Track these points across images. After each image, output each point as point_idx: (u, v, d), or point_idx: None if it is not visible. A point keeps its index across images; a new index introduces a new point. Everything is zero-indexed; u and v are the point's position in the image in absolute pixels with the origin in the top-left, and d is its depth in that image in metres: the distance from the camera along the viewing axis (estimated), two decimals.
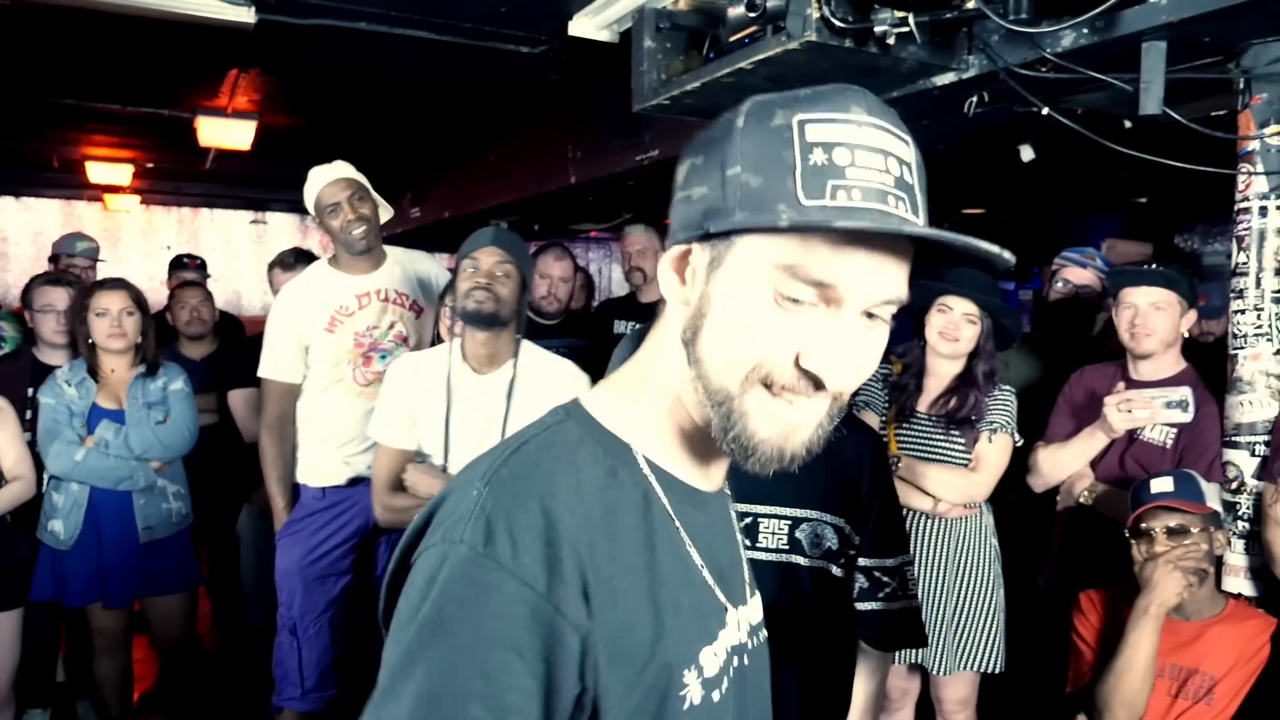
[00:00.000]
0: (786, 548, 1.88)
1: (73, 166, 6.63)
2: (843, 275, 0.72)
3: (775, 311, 0.74)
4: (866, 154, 0.72)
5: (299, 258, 3.67)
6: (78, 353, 3.08)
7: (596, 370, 2.97)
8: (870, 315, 0.76)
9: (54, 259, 4.63)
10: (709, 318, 0.77)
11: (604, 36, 3.08)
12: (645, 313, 3.92)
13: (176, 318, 4.01)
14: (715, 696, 0.80)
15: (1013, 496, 2.75)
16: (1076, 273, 3.20)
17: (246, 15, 2.89)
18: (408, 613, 0.72)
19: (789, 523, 1.88)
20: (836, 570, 1.89)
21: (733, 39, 2.24)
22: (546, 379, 2.24)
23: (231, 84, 4.37)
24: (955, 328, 2.54)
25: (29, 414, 3.06)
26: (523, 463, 0.77)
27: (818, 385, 0.74)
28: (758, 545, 1.89)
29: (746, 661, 0.87)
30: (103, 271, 4.51)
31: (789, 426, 0.77)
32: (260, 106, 4.81)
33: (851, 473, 1.90)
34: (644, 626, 0.75)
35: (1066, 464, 2.60)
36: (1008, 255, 0.75)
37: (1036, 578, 2.75)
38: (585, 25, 3.06)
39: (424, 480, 2.20)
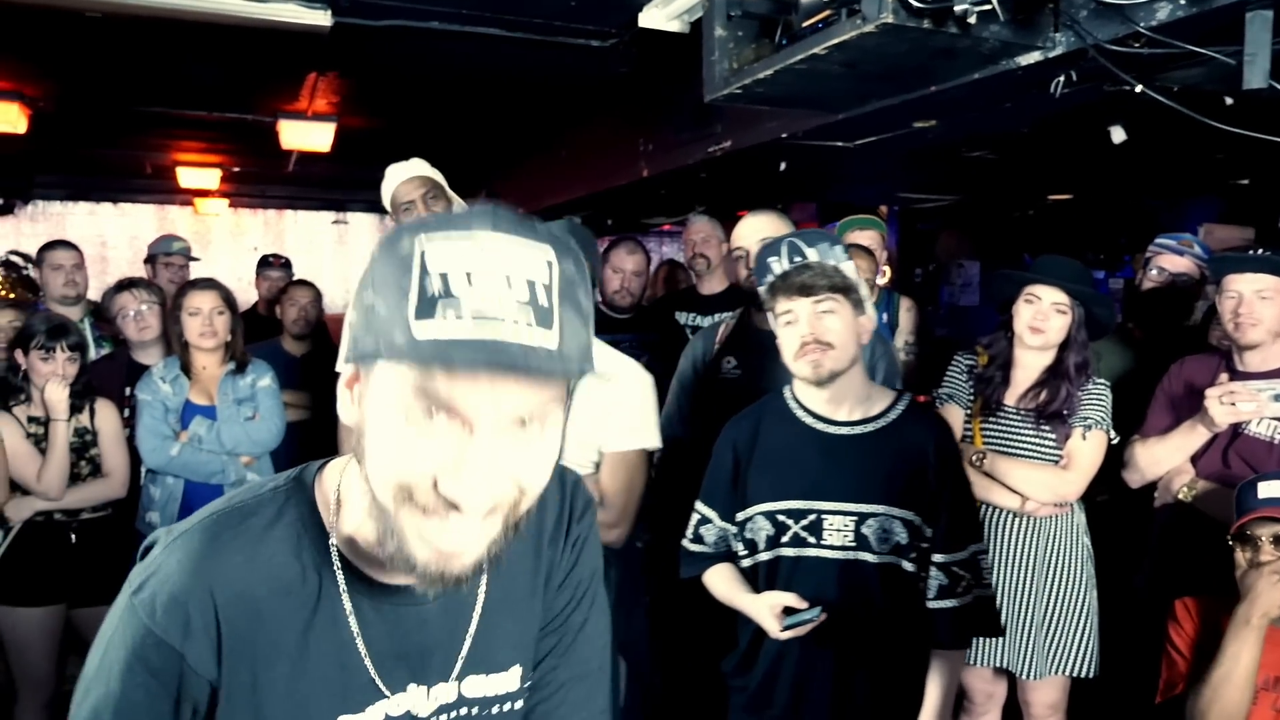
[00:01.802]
0: (853, 544, 1.85)
1: (164, 172, 6.90)
2: (463, 399, 0.73)
3: (412, 433, 0.75)
4: (486, 276, 0.72)
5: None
6: (169, 350, 3.19)
7: (666, 363, 2.95)
8: (523, 423, 0.76)
9: (150, 260, 4.81)
10: (365, 437, 0.80)
11: (674, 27, 3.05)
12: (706, 304, 3.89)
13: (285, 315, 4.11)
14: None
15: (1104, 496, 2.64)
16: (1172, 260, 3.05)
17: (323, 18, 2.95)
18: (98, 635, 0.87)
19: (854, 519, 1.85)
20: (908, 565, 1.85)
21: (805, 24, 2.19)
22: (609, 377, 2.22)
23: (310, 87, 4.48)
24: (1044, 318, 2.43)
25: (126, 412, 3.19)
26: (207, 532, 0.86)
27: (453, 507, 0.75)
28: (823, 543, 1.86)
29: None
30: (195, 271, 4.68)
31: (446, 552, 0.77)
32: (338, 109, 4.92)
33: (918, 463, 1.86)
34: (273, 689, 0.85)
35: (1164, 459, 2.48)
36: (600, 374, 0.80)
37: (1132, 578, 2.63)
38: (655, 16, 3.04)
39: None
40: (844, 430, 1.91)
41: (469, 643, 0.94)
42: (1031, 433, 2.48)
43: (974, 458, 2.50)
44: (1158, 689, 2.07)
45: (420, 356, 0.71)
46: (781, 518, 1.89)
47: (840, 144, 3.60)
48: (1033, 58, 2.21)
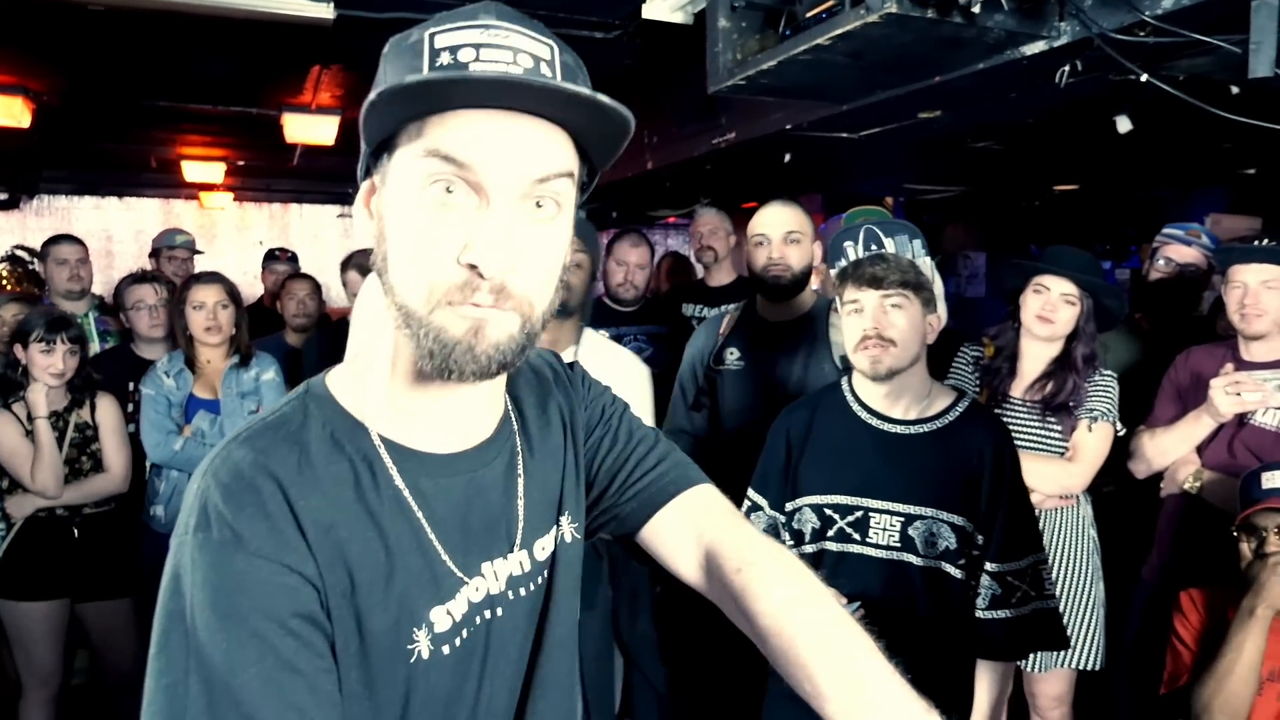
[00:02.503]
0: (899, 545, 1.80)
1: (169, 166, 6.90)
2: (482, 154, 0.74)
3: (433, 215, 0.76)
4: (492, 50, 0.74)
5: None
6: (174, 345, 3.20)
7: (673, 355, 2.94)
8: (538, 205, 0.77)
9: (154, 254, 4.83)
10: (387, 239, 0.79)
11: (678, 19, 3.03)
12: (714, 296, 3.89)
13: (285, 308, 4.12)
14: (446, 650, 0.84)
15: (1110, 487, 2.63)
16: (1180, 250, 3.04)
17: (326, 11, 2.94)
18: (161, 608, 0.75)
19: (902, 520, 1.81)
20: (955, 571, 1.79)
21: (809, 15, 2.18)
22: (606, 369, 2.21)
23: (314, 80, 4.47)
24: (1053, 309, 2.42)
25: (130, 407, 3.19)
26: (242, 448, 0.79)
27: (474, 269, 0.75)
28: (867, 540, 1.82)
29: (500, 612, 0.89)
30: (200, 265, 4.68)
31: (477, 322, 0.77)
32: (343, 102, 4.91)
33: (973, 467, 1.80)
34: (370, 588, 0.79)
35: (1170, 449, 2.47)
36: (625, 112, 0.75)
37: (1139, 570, 2.62)
38: (659, 8, 3.02)
39: None
40: (899, 429, 1.87)
41: (523, 503, 0.93)
42: (1038, 424, 2.47)
43: None
44: (1162, 680, 2.06)
45: (430, 102, 0.73)
46: (829, 512, 1.86)
47: (845, 135, 3.59)
48: (1038, 47, 2.20)
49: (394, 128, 0.78)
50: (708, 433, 2.53)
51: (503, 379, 0.92)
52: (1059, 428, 2.45)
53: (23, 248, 7.24)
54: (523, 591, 0.92)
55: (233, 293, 3.17)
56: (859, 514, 1.83)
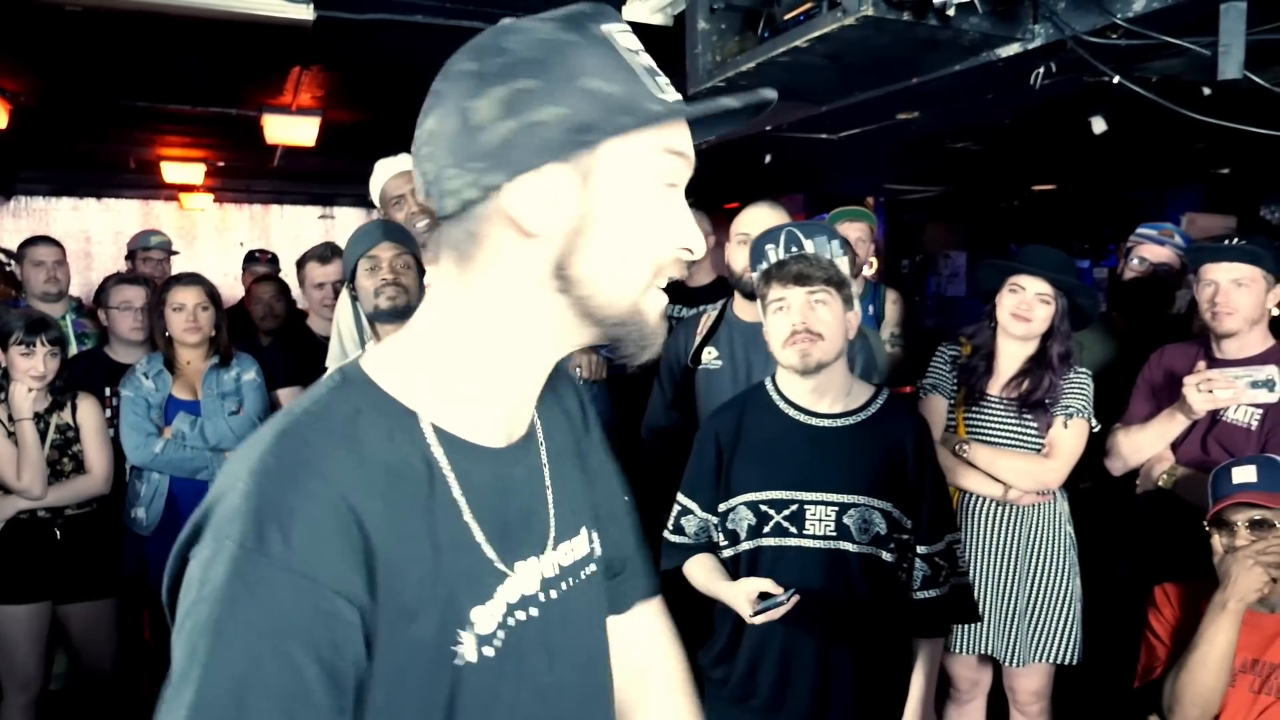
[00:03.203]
0: (835, 534, 1.87)
1: (149, 167, 6.85)
2: (689, 148, 0.82)
3: (661, 202, 0.79)
4: (643, 54, 0.80)
5: (335, 251, 3.66)
6: (152, 348, 3.18)
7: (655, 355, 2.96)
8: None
9: (130, 255, 4.79)
10: (592, 234, 0.78)
11: (657, 20, 3.05)
12: (693, 296, 3.89)
13: (253, 311, 4.10)
14: (489, 652, 0.80)
15: (1086, 483, 2.66)
16: (1154, 250, 3.08)
17: (305, 12, 2.94)
18: (184, 614, 0.70)
19: (836, 509, 1.88)
20: (887, 555, 1.88)
21: (787, 17, 2.20)
22: None
23: (295, 82, 4.45)
24: (1029, 308, 2.45)
25: (107, 411, 3.17)
26: (292, 445, 0.74)
27: (693, 261, 0.83)
28: (805, 533, 1.88)
29: (534, 613, 0.86)
30: (178, 266, 4.65)
31: (661, 306, 0.83)
32: (323, 103, 4.89)
33: (897, 457, 1.89)
34: (419, 591, 0.76)
35: (1145, 447, 2.51)
36: (768, 93, 0.82)
37: (1116, 566, 2.66)
38: (638, 10, 3.04)
39: None
40: (826, 422, 1.93)
41: (553, 505, 0.91)
42: (1015, 422, 2.50)
43: (956, 447, 2.52)
44: (1136, 674, 2.09)
45: (676, 115, 0.78)
46: (764, 508, 1.91)
47: (825, 136, 3.62)
48: (1013, 49, 2.23)
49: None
50: (685, 429, 2.55)
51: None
52: (1035, 425, 2.48)
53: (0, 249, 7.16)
54: (553, 594, 0.89)
55: (213, 294, 3.15)
56: (795, 507, 1.88)
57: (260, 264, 5.03)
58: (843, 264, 1.92)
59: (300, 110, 4.96)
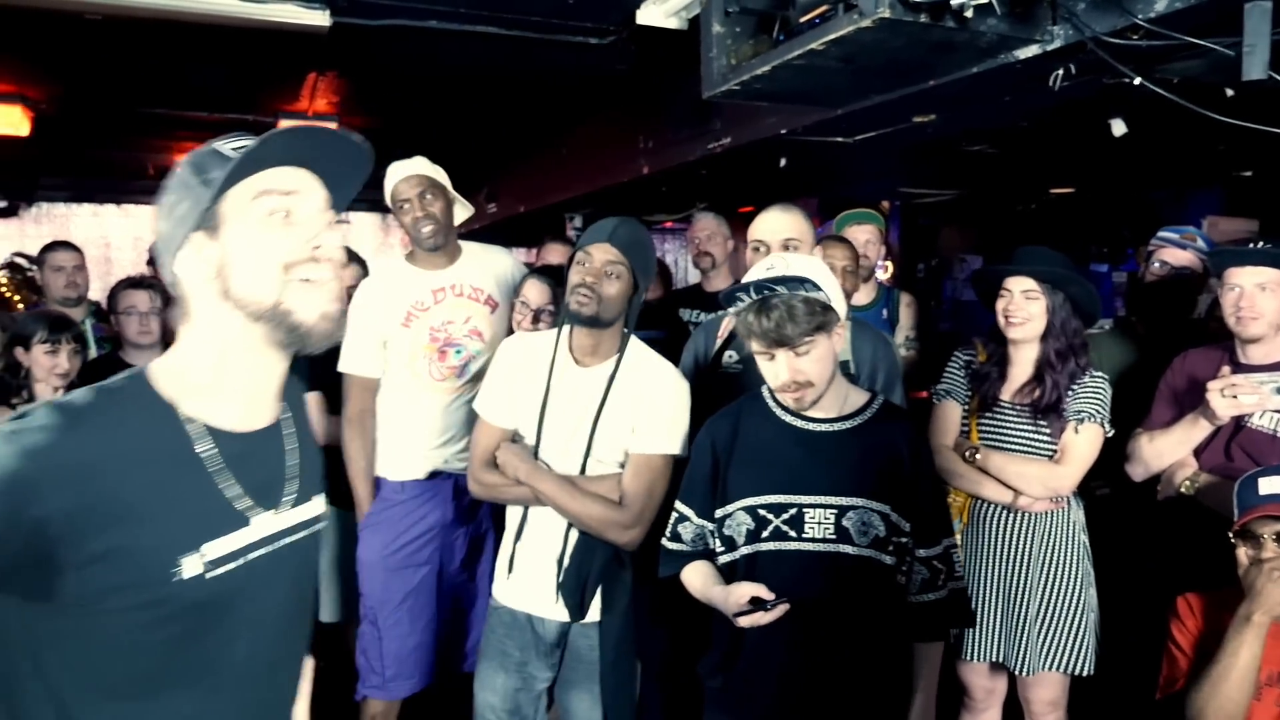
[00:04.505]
0: (834, 537, 1.86)
1: (167, 173, 6.85)
2: (301, 184, 1.15)
3: (278, 224, 1.12)
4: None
5: (350, 257, 3.67)
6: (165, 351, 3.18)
7: (671, 360, 2.95)
8: (326, 216, 1.17)
9: (151, 260, 4.83)
10: (233, 264, 1.12)
11: (672, 24, 3.04)
12: (711, 301, 3.87)
13: None
14: (211, 575, 1.11)
15: (1104, 489, 2.63)
16: (1175, 254, 3.04)
17: (321, 19, 2.95)
18: None
19: (835, 512, 1.87)
20: (886, 558, 1.87)
21: (803, 20, 2.18)
22: (646, 381, 2.22)
23: (310, 87, 4.48)
24: (1017, 308, 2.45)
25: None
26: (66, 415, 1.04)
27: (317, 260, 1.14)
28: (804, 536, 1.87)
29: (268, 550, 1.19)
30: None
31: (322, 301, 1.14)
32: (339, 109, 4.92)
33: (893, 460, 1.89)
34: (150, 519, 1.06)
35: (1167, 453, 2.47)
36: (356, 139, 1.20)
37: (1135, 574, 2.62)
38: (653, 13, 3.03)
39: (513, 460, 2.19)
40: (822, 427, 1.92)
41: (295, 474, 1.25)
42: (1028, 428, 2.48)
43: (967, 453, 2.49)
44: (1158, 685, 2.06)
45: (259, 161, 1.11)
46: (763, 512, 1.89)
47: (840, 139, 3.59)
48: (1031, 51, 2.20)
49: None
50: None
51: (286, 371, 1.23)
52: (1049, 431, 2.45)
53: (21, 255, 7.22)
54: (287, 541, 1.22)
55: None
56: (793, 511, 1.87)
57: None
58: (822, 295, 1.81)
59: (316, 116, 4.99)
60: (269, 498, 1.20)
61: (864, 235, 3.69)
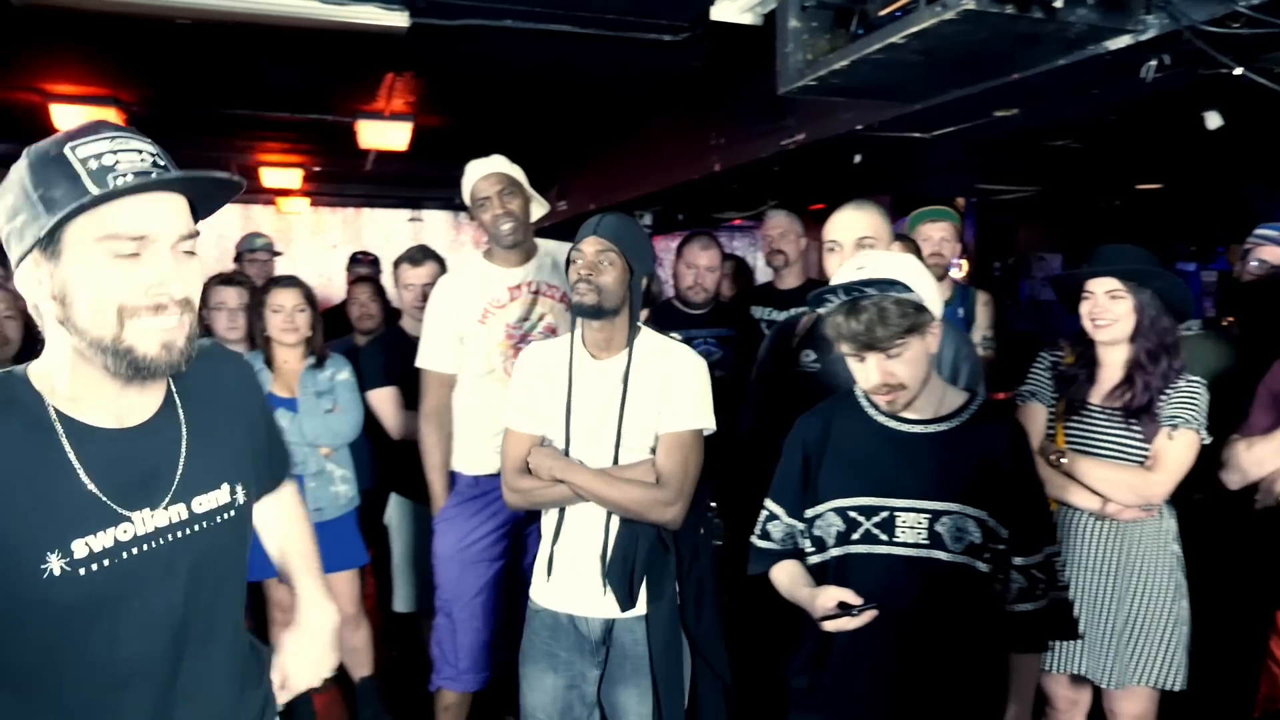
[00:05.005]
0: (927, 542, 1.81)
1: (248, 173, 7.12)
2: (149, 227, 1.11)
3: (120, 265, 1.10)
4: (125, 153, 1.11)
5: (426, 254, 3.73)
6: (252, 346, 3.28)
7: (742, 359, 2.92)
8: (182, 247, 1.15)
9: (238, 257, 5.00)
10: (71, 297, 1.11)
11: (747, 20, 3.02)
12: (784, 299, 3.84)
13: (350, 312, 4.21)
14: (83, 571, 1.12)
15: (1199, 495, 2.53)
16: (1274, 252, 2.91)
17: (400, 19, 3.00)
18: None
19: (929, 516, 1.82)
20: (981, 566, 1.82)
21: (882, 13, 2.14)
22: (664, 362, 2.24)
23: (388, 88, 4.56)
24: (1103, 309, 2.37)
25: None
26: None
27: (161, 307, 1.12)
28: (895, 540, 1.83)
29: (150, 547, 1.18)
30: (278, 266, 4.80)
31: (167, 339, 1.14)
32: (414, 108, 5.01)
33: (991, 464, 1.83)
34: (9, 520, 1.08)
35: (1267, 460, 2.37)
36: (228, 176, 1.19)
37: (1231, 586, 2.52)
38: (728, 9, 3.01)
39: (545, 460, 2.22)
40: (917, 429, 1.88)
41: (182, 468, 1.24)
42: (1119, 432, 2.39)
43: (1053, 457, 2.42)
44: (1255, 703, 1.97)
45: (111, 194, 1.08)
46: (853, 514, 1.86)
47: (917, 135, 3.52)
48: (1122, 41, 2.12)
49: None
50: (778, 433, 2.52)
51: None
52: (1141, 435, 2.36)
53: None
54: (179, 534, 1.22)
55: (310, 296, 3.25)
56: (885, 514, 1.83)
57: (363, 265, 5.16)
58: (915, 295, 1.76)
59: (393, 116, 5.09)
60: (146, 495, 1.19)
61: (939, 233, 3.61)
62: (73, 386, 1.16)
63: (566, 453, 2.24)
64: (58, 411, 1.14)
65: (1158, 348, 2.35)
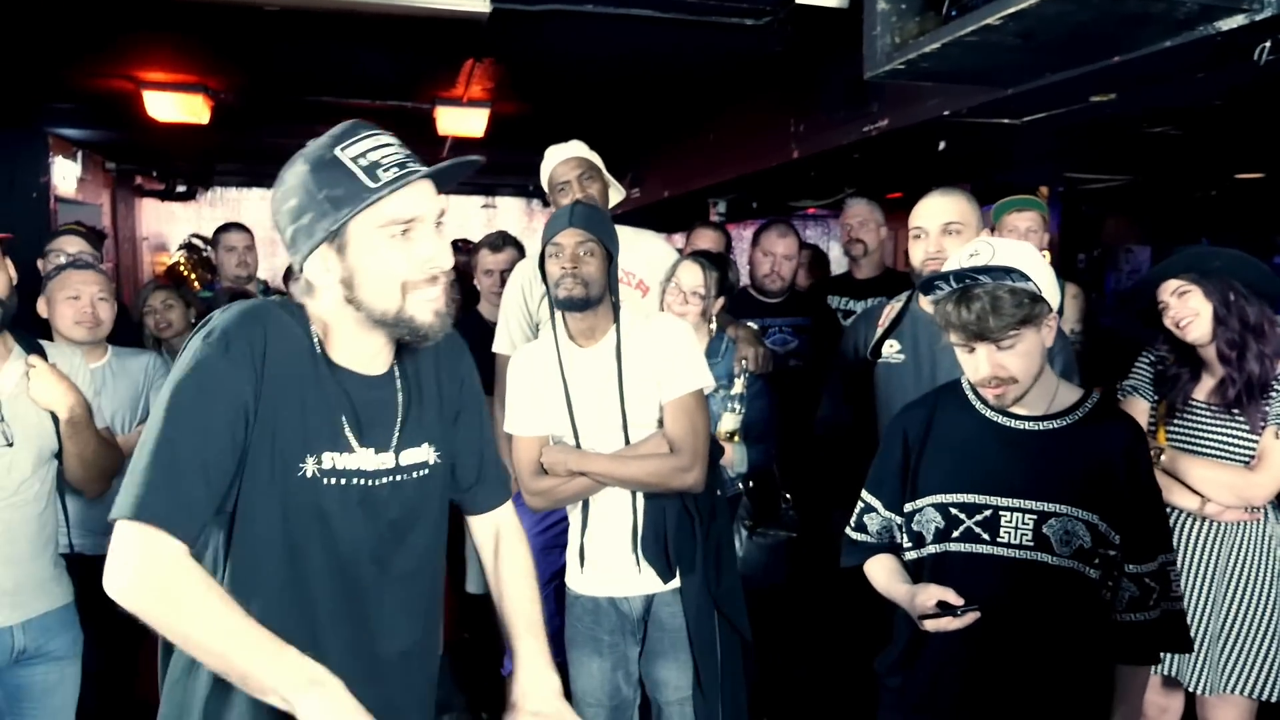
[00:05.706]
0: (1032, 544, 1.73)
1: None
2: (417, 210, 1.30)
3: (395, 249, 1.29)
4: (383, 149, 1.29)
5: (506, 240, 3.76)
6: None
7: (818, 348, 2.86)
8: (438, 225, 1.34)
9: None
10: (359, 280, 1.30)
11: (832, 3, 2.95)
12: (861, 289, 3.77)
13: None
14: (327, 481, 1.32)
15: None
16: None
17: (482, 5, 3.01)
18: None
19: (1034, 517, 1.73)
20: (1091, 572, 1.72)
21: None
22: (650, 334, 2.27)
23: (467, 74, 4.59)
24: (1178, 311, 2.30)
25: None
26: (252, 307, 1.33)
27: (434, 279, 1.32)
28: (998, 540, 1.75)
29: (361, 483, 1.36)
30: None
31: (438, 306, 1.34)
32: (492, 95, 5.03)
33: (1106, 465, 1.73)
34: (285, 422, 1.29)
35: None
36: (474, 159, 1.37)
37: None
38: None
39: (559, 456, 2.24)
40: (1027, 425, 1.80)
41: (400, 422, 1.41)
42: (1224, 431, 2.29)
43: (1152, 453, 2.33)
44: None
45: (387, 192, 1.26)
46: (954, 511, 1.80)
47: (1007, 121, 3.41)
48: (1236, 21, 2.01)
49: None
50: (860, 425, 2.47)
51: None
52: (1248, 432, 2.26)
53: (197, 236, 7.77)
54: (385, 480, 1.37)
55: None
56: (988, 512, 1.76)
57: (460, 253, 5.20)
58: (1033, 285, 1.68)
59: (471, 102, 5.12)
60: (375, 436, 1.37)
61: (1025, 223, 3.50)
62: (337, 337, 1.36)
63: (577, 445, 2.26)
64: (323, 349, 1.35)
65: (1241, 331, 2.25)
